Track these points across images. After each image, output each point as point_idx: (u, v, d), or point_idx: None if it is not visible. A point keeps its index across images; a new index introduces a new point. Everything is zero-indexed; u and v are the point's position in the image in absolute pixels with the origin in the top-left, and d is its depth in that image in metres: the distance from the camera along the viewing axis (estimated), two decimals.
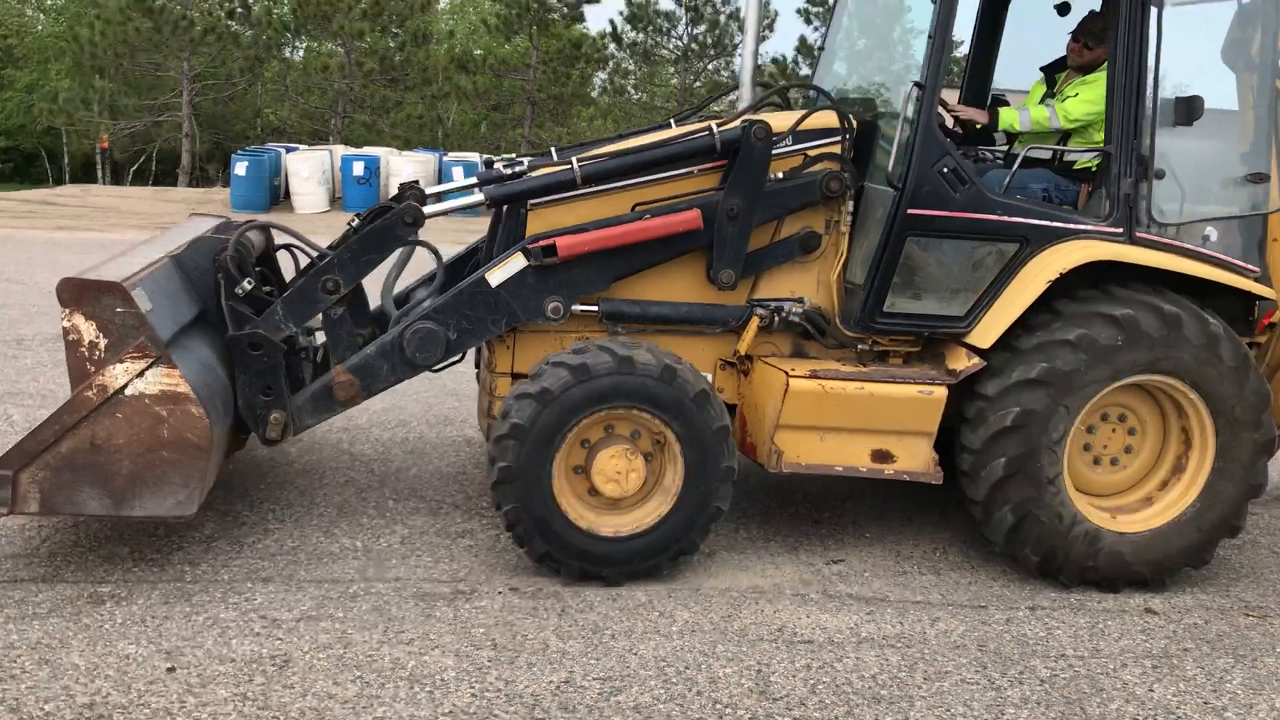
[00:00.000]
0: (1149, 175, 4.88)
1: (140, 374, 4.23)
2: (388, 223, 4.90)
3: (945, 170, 4.79)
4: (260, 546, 4.86)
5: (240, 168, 22.51)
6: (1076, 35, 5.48)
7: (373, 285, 4.98)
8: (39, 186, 32.25)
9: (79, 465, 4.26)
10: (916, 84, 4.82)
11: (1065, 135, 5.36)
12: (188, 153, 32.44)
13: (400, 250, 5.08)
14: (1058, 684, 4.07)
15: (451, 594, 4.49)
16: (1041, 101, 5.52)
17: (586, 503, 4.70)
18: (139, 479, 4.29)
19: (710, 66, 31.84)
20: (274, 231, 5.63)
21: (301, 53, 38.09)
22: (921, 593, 4.82)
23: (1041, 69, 5.84)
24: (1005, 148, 5.84)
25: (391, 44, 32.81)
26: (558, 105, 32.14)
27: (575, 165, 4.92)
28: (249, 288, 4.77)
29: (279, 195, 23.10)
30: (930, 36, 4.80)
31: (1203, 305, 4.87)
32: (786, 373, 4.83)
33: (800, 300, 5.07)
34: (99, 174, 37.58)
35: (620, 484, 4.64)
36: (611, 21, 31.10)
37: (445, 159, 23.76)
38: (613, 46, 31.44)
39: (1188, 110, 4.93)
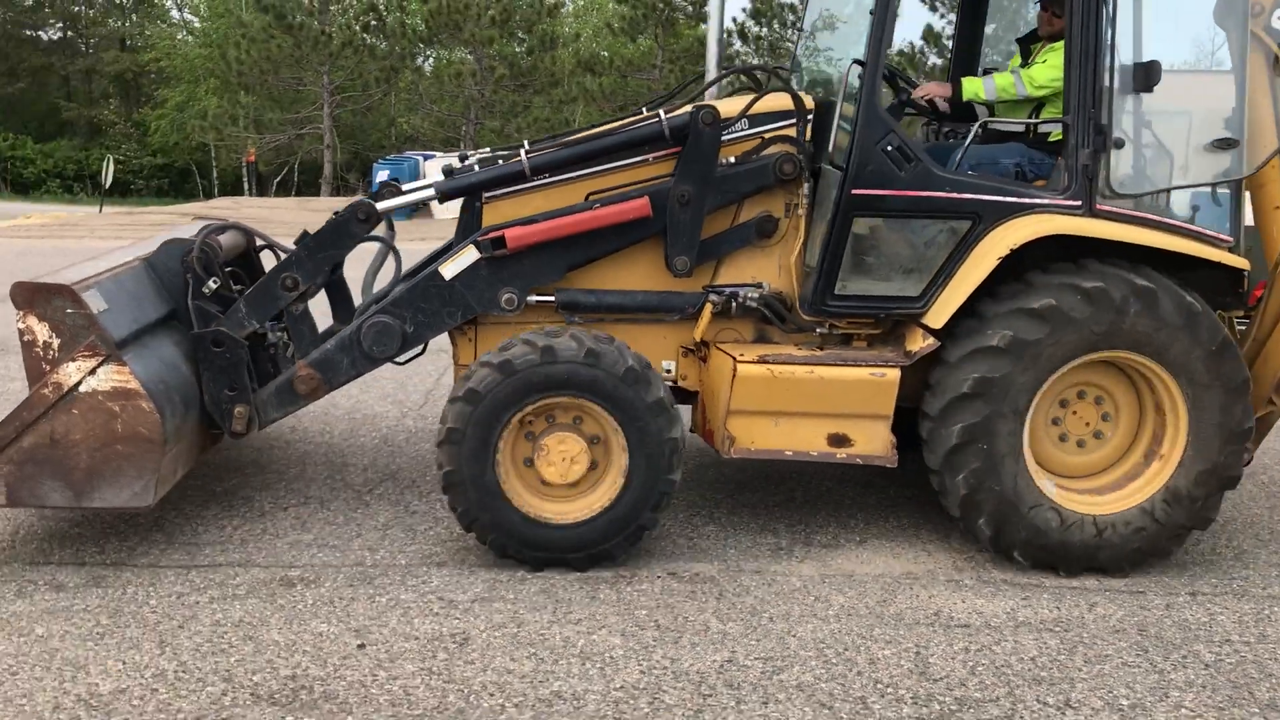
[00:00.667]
0: (1108, 145, 4.73)
1: (92, 371, 4.45)
2: (342, 219, 5.03)
3: (889, 148, 4.71)
4: (432, 534, 5.14)
5: (381, 175, 23.36)
6: (1045, 4, 5.37)
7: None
8: (191, 200, 33.98)
9: (40, 459, 4.50)
10: (857, 61, 4.76)
11: (1040, 106, 5.24)
12: (329, 163, 33.79)
13: (380, 245, 5.24)
14: (1223, 668, 4.04)
15: (613, 578, 4.69)
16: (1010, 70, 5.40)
17: (527, 482, 4.77)
18: (96, 472, 4.51)
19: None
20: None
21: (431, 62, 39.19)
22: (1077, 579, 4.82)
23: (1017, 40, 5.73)
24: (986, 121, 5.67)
25: (519, 49, 33.54)
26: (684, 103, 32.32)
27: (524, 157, 5.01)
28: (214, 287, 4.99)
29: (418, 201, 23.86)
30: (871, 13, 4.73)
31: (1181, 277, 4.73)
32: (735, 358, 4.82)
33: (759, 285, 5.04)
34: (245, 187, 39.38)
35: (561, 471, 4.71)
36: (735, 18, 31.18)
37: None
38: (738, 43, 31.49)
39: (1145, 76, 4.73)
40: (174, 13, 47.87)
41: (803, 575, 4.79)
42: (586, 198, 5.00)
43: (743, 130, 4.96)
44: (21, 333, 4.49)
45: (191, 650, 3.96)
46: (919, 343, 4.80)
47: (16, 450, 4.48)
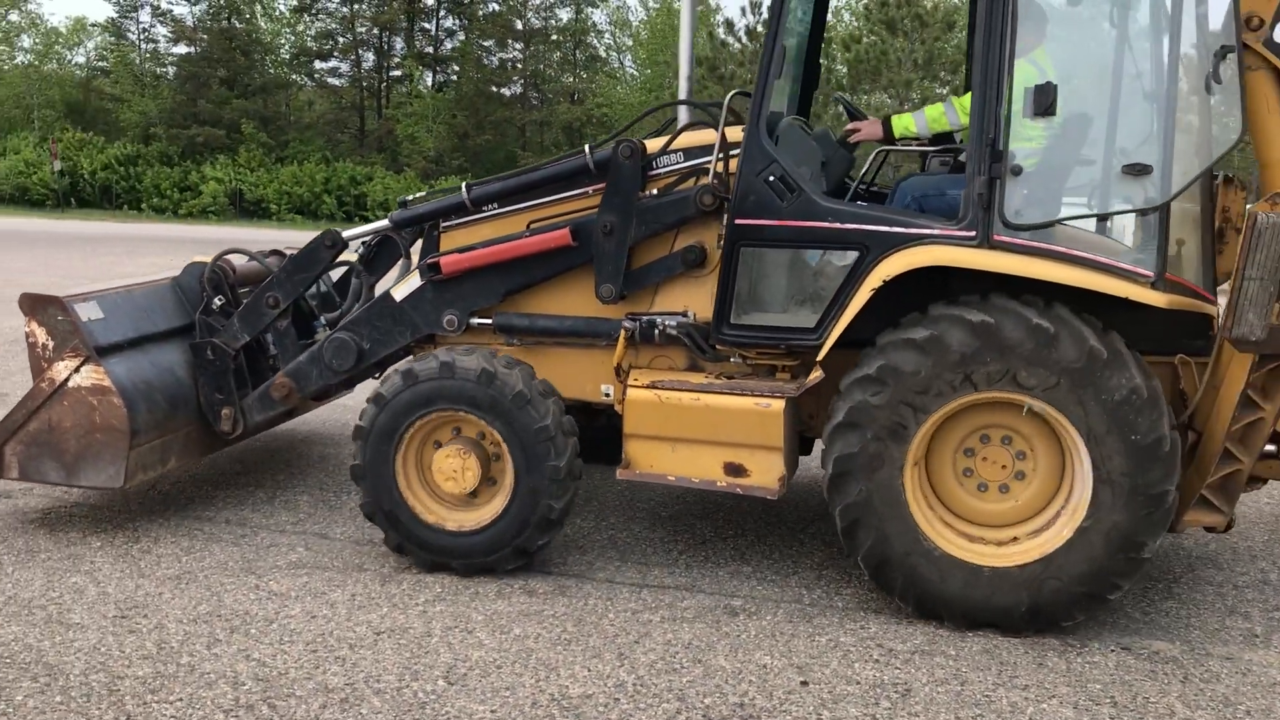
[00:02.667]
0: (1004, 172, 4.38)
1: (76, 370, 5.22)
2: (312, 246, 5.62)
3: (771, 179, 4.68)
4: (866, 579, 5.15)
5: None
6: None
7: None
8: None
9: (42, 442, 5.30)
10: (740, 92, 4.79)
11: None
12: None
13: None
14: None
15: (1062, 645, 4.46)
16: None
17: (424, 487, 5.13)
18: (81, 455, 5.28)
19: None
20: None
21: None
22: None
23: None
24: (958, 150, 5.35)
25: (942, 90, 32.99)
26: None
27: (463, 189, 5.37)
28: (220, 303, 5.70)
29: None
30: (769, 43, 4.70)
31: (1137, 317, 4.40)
32: (628, 383, 4.97)
33: (682, 314, 5.07)
34: None
35: (453, 481, 4.98)
36: None
37: None
38: None
39: (1043, 99, 4.34)
40: (614, 64, 51.81)
41: None
42: (528, 227, 5.26)
43: (677, 163, 5.08)
44: (27, 335, 5.35)
45: (647, 666, 4.23)
46: (813, 374, 4.70)
47: (25, 433, 5.34)
